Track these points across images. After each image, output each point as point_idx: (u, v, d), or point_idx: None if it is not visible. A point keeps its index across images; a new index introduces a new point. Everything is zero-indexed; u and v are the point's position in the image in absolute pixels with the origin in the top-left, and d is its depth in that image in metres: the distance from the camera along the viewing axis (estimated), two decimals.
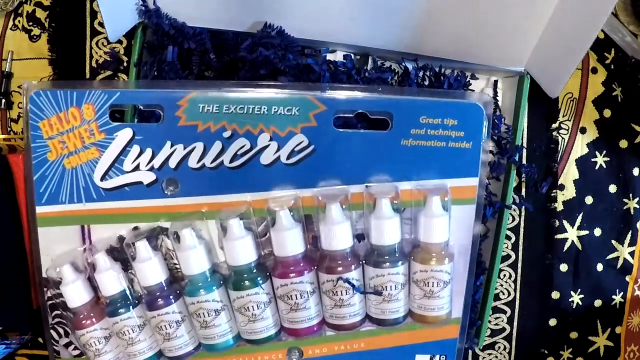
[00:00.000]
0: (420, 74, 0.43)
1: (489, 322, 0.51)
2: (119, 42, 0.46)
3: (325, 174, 0.39)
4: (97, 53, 0.46)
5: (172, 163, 0.38)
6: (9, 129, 0.48)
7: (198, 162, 0.38)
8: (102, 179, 0.38)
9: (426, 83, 0.43)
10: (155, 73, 0.41)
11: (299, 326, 0.40)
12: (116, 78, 0.47)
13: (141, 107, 0.39)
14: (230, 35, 0.42)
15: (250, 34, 0.41)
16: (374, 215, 0.38)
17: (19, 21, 0.47)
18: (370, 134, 0.38)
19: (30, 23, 0.47)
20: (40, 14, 0.47)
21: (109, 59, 0.46)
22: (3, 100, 0.47)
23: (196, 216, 0.39)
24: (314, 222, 0.39)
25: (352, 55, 0.44)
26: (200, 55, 0.42)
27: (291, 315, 0.39)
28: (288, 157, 0.39)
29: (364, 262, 0.39)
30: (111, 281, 0.39)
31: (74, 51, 0.46)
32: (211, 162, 0.38)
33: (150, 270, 0.39)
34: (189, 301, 0.39)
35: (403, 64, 0.44)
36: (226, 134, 0.38)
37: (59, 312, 0.40)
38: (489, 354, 0.53)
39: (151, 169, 0.38)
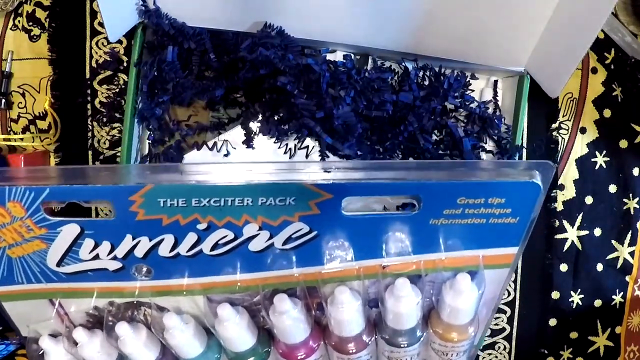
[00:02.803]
0: (420, 74, 0.43)
1: None
2: (119, 42, 0.46)
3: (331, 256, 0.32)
4: (97, 53, 0.46)
5: (139, 253, 0.32)
6: (9, 129, 0.48)
7: (171, 251, 0.32)
8: (59, 265, 0.32)
9: (426, 83, 0.43)
10: (155, 73, 0.41)
11: None
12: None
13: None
14: (230, 35, 0.42)
15: (250, 34, 0.41)
16: (390, 300, 0.33)
17: (19, 21, 0.47)
18: (390, 216, 0.32)
19: (30, 23, 0.47)
20: (40, 14, 0.47)
21: (109, 59, 0.46)
22: (3, 100, 0.47)
23: (178, 294, 0.34)
24: (318, 291, 0.34)
25: (352, 55, 0.44)
26: (200, 55, 0.42)
27: None
28: (284, 244, 0.32)
29: (377, 337, 0.36)
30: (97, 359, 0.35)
31: (74, 51, 0.46)
32: (187, 251, 0.32)
33: (138, 355, 0.35)
34: None
35: (403, 64, 0.44)
36: (201, 227, 0.31)
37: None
38: (489, 354, 0.53)
39: (114, 259, 0.32)
